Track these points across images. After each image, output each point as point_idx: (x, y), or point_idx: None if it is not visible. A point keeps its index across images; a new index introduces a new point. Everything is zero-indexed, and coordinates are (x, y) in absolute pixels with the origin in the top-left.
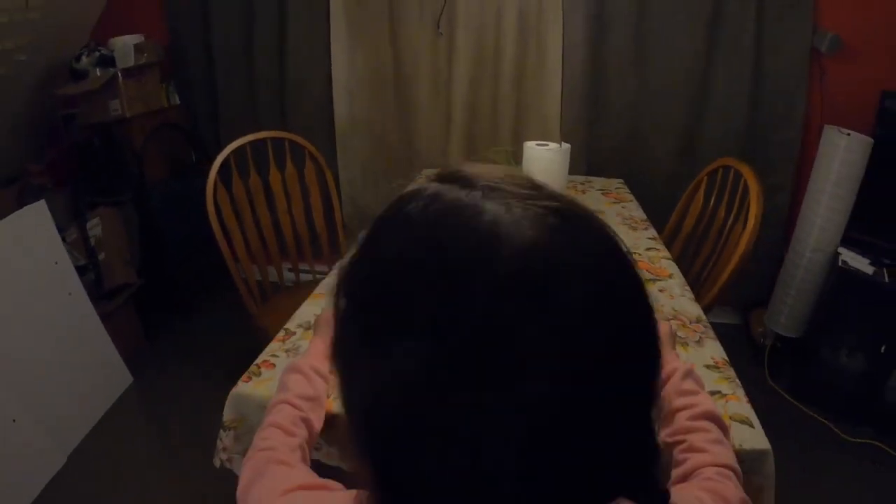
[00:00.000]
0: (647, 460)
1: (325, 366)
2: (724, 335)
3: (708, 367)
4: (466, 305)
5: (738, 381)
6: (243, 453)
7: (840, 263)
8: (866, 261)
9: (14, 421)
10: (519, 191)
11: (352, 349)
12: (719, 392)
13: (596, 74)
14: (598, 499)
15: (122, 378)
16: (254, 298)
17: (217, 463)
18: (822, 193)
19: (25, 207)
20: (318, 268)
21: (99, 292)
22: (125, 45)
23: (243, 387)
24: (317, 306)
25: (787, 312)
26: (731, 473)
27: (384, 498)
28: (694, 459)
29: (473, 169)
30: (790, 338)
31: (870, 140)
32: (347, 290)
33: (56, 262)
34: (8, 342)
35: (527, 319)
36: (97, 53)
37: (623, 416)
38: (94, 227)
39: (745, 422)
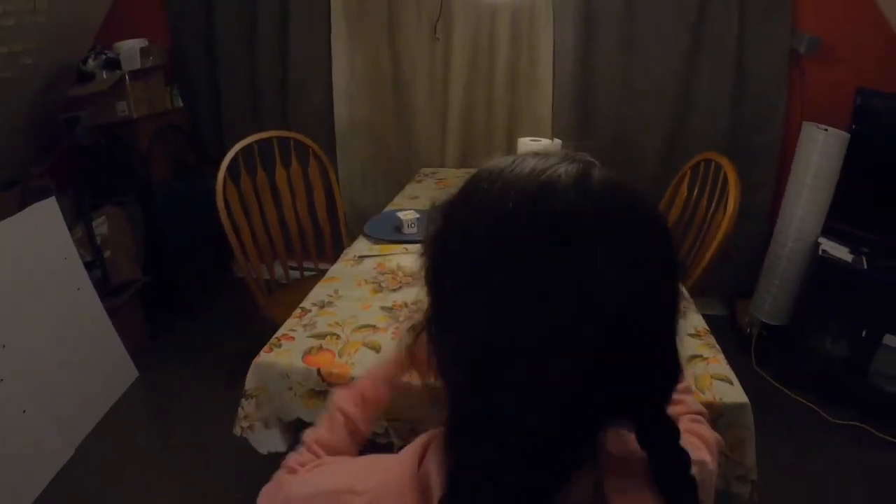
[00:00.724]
0: (665, 397)
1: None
2: (712, 326)
3: (691, 335)
4: (554, 240)
5: (717, 346)
6: (263, 421)
7: (820, 252)
8: (846, 249)
9: (24, 412)
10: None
11: (454, 273)
12: (701, 356)
13: (585, 78)
14: (624, 415)
15: (128, 373)
16: (261, 290)
17: (238, 431)
18: (803, 186)
19: (35, 204)
20: (322, 266)
21: (105, 289)
22: (131, 49)
23: (265, 357)
24: (329, 289)
25: (771, 301)
26: (702, 418)
27: (461, 418)
28: (670, 409)
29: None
30: (775, 326)
31: (846, 135)
32: (453, 230)
33: (65, 258)
34: (18, 335)
35: (598, 248)
36: (104, 56)
37: (658, 336)
38: (101, 225)
39: (724, 380)
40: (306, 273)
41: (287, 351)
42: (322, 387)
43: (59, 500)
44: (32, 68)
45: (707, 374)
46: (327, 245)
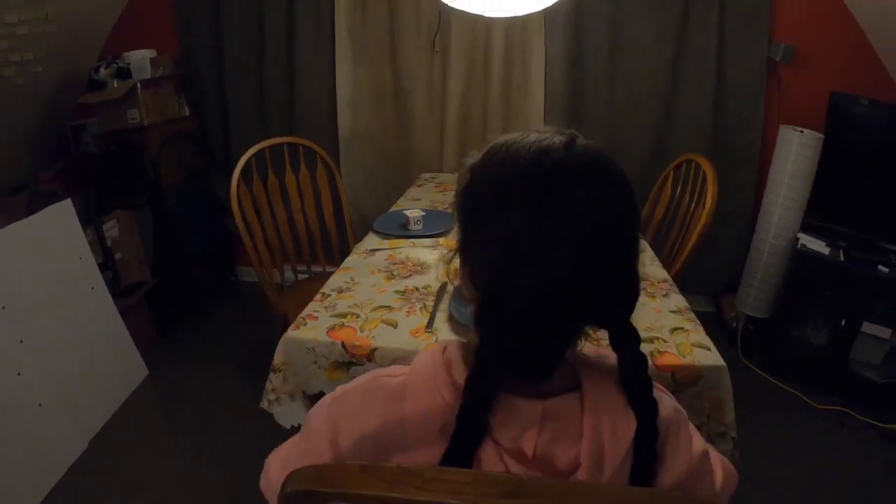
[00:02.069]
0: (630, 304)
1: None
2: (700, 321)
3: (672, 312)
4: (548, 183)
5: (697, 321)
6: (289, 394)
7: (799, 247)
8: (823, 243)
9: (40, 405)
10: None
11: (482, 204)
12: (682, 328)
13: (575, 86)
14: (600, 319)
15: (138, 370)
16: (271, 287)
17: (265, 405)
18: (781, 185)
19: (52, 206)
20: (329, 269)
21: (115, 289)
22: (142, 59)
23: (292, 333)
24: (346, 276)
25: (754, 295)
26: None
27: (489, 306)
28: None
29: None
30: (759, 319)
31: (820, 136)
32: (477, 182)
33: (80, 258)
34: (35, 331)
35: (576, 191)
36: (115, 65)
37: (622, 267)
38: (111, 228)
39: (703, 347)
40: (314, 270)
41: (312, 328)
42: (345, 358)
43: (74, 491)
44: (42, 76)
45: (687, 343)
46: (334, 246)
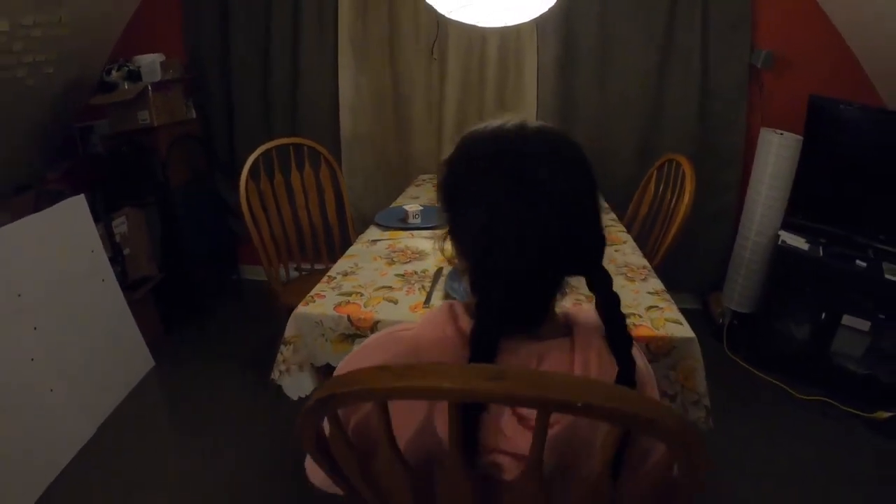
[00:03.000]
0: (599, 255)
1: None
2: (687, 318)
3: (649, 293)
4: (518, 178)
5: (671, 301)
6: (298, 365)
7: (780, 243)
8: (803, 240)
9: (51, 391)
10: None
11: (464, 203)
12: (657, 306)
13: (566, 91)
14: (576, 268)
15: (145, 362)
16: (277, 279)
17: (275, 375)
18: (762, 184)
19: (65, 200)
20: (332, 265)
21: (124, 283)
22: (152, 62)
23: (302, 309)
24: (350, 262)
25: (739, 291)
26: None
27: (480, 273)
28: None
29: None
30: (744, 314)
31: (799, 137)
32: (454, 169)
33: (92, 251)
34: (48, 320)
35: (542, 180)
36: (126, 68)
37: (585, 221)
38: (120, 225)
39: (675, 321)
40: (317, 268)
41: (320, 304)
42: (351, 331)
43: (82, 474)
44: (52, 77)
45: (662, 318)
46: (336, 242)
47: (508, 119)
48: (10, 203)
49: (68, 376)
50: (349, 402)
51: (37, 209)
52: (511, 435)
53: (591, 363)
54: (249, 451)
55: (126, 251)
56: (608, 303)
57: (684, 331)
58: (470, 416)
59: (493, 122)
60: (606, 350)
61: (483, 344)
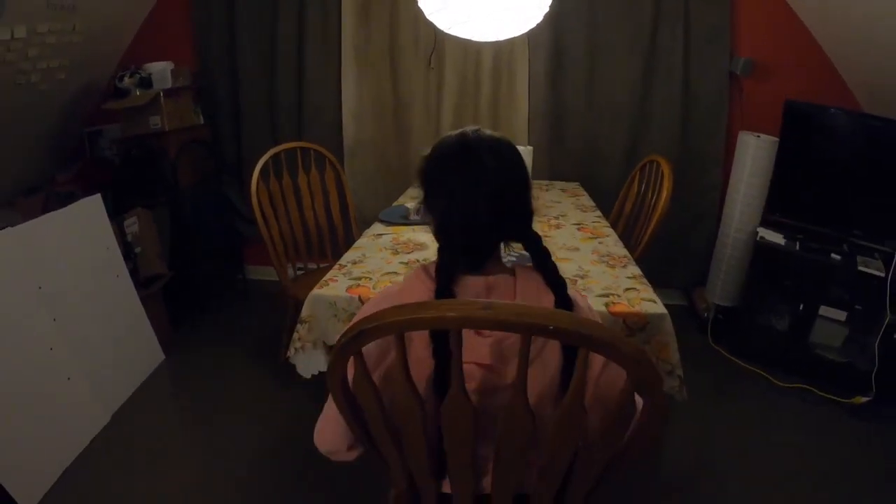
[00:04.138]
0: (528, 222)
1: None
2: (672, 313)
3: (628, 278)
4: (479, 167)
5: (648, 284)
6: (312, 342)
7: (759, 239)
8: (780, 235)
9: (69, 379)
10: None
11: (436, 182)
12: (634, 288)
13: (556, 98)
14: (512, 234)
15: (155, 355)
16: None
17: (291, 352)
18: (741, 184)
19: (83, 199)
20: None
21: (136, 281)
22: (163, 70)
23: (318, 291)
24: (358, 253)
25: (721, 286)
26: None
27: (442, 227)
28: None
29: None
30: (727, 307)
31: (775, 139)
32: (428, 164)
33: (107, 248)
34: (67, 311)
35: (485, 156)
36: (138, 75)
37: (518, 200)
38: (132, 224)
39: (650, 300)
40: (321, 266)
41: (333, 287)
42: None
43: (97, 460)
44: (64, 83)
45: (638, 297)
46: (339, 240)
47: (470, 127)
48: (20, 204)
49: (85, 366)
50: (375, 336)
51: (45, 210)
52: (473, 346)
53: (531, 293)
54: (255, 438)
55: (137, 250)
56: (539, 254)
57: (657, 308)
58: (443, 339)
59: (456, 131)
60: (544, 285)
61: (444, 275)
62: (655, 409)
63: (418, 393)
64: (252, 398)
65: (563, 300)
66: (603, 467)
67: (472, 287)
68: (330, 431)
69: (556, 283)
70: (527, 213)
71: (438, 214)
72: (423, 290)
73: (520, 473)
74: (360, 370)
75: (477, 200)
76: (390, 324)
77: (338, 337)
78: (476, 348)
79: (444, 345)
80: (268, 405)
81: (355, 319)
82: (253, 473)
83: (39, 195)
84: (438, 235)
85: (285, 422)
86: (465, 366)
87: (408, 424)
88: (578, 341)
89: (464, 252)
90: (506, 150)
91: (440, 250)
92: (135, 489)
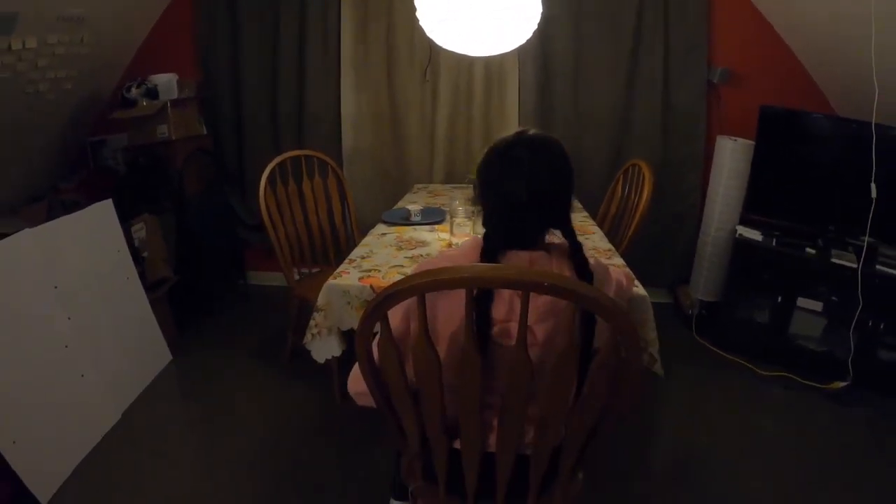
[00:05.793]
0: (567, 213)
1: None
2: (658, 311)
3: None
4: (520, 163)
5: (632, 273)
6: (328, 328)
7: (737, 236)
8: (758, 232)
9: (82, 376)
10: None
11: (489, 180)
12: None
13: (544, 108)
14: (555, 223)
15: (163, 355)
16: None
17: (308, 338)
18: (720, 185)
19: (95, 204)
20: (338, 264)
21: (143, 284)
22: (169, 81)
23: (332, 281)
24: (365, 249)
25: (703, 282)
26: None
27: (489, 212)
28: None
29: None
30: (710, 302)
31: (751, 143)
32: (484, 164)
33: (118, 251)
34: (81, 311)
35: (530, 160)
36: (145, 86)
37: (562, 200)
38: (139, 230)
39: (635, 286)
40: (324, 270)
41: (346, 278)
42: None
43: (108, 455)
44: (70, 93)
45: None
46: (342, 243)
47: (524, 129)
48: (24, 212)
49: (98, 364)
50: (402, 298)
51: (49, 218)
52: (517, 308)
53: (562, 266)
54: (259, 434)
55: (144, 254)
56: (572, 243)
57: (640, 290)
58: (484, 298)
59: (511, 133)
60: (569, 261)
61: (488, 250)
62: (630, 350)
63: (436, 350)
64: (255, 397)
65: (583, 273)
66: (595, 418)
67: (517, 259)
68: (361, 379)
69: (579, 261)
70: (565, 205)
71: (488, 204)
72: (474, 256)
73: (521, 425)
74: (384, 332)
75: (513, 192)
76: (412, 287)
77: (351, 324)
78: (517, 310)
79: (487, 305)
80: (270, 404)
81: (421, 265)
82: (256, 466)
83: (43, 203)
84: (484, 219)
85: (287, 420)
86: (506, 325)
87: (426, 386)
88: (567, 296)
89: (507, 231)
90: (551, 147)
91: (486, 232)
92: (144, 485)
